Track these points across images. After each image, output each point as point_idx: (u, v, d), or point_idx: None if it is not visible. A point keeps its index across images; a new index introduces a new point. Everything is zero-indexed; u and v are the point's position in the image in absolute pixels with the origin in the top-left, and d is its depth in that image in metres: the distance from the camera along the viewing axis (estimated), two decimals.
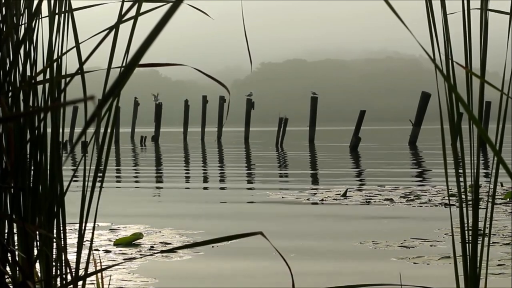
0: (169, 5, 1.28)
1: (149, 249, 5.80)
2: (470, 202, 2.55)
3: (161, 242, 6.09)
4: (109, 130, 2.66)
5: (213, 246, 5.75)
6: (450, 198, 8.88)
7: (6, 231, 2.66)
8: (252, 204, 9.22)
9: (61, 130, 2.74)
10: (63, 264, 2.72)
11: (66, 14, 2.71)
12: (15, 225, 2.69)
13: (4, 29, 2.66)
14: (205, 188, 12.14)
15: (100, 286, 3.11)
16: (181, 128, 52.22)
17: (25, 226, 2.63)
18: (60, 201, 2.72)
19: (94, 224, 2.75)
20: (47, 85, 2.72)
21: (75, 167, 2.48)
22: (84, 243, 2.72)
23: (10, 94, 2.69)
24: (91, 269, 4.18)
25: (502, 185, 10.29)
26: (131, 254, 5.62)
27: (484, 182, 10.70)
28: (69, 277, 2.72)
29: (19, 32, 2.69)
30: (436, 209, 8.30)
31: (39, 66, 2.73)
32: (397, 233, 6.40)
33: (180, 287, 4.53)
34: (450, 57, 2.51)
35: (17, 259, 2.67)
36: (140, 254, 5.61)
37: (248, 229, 6.55)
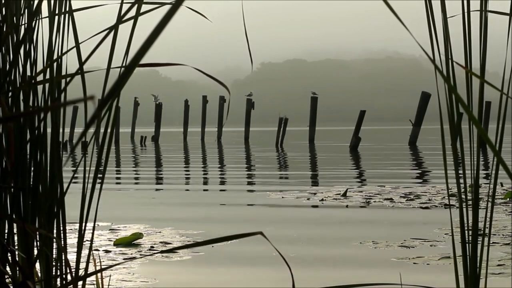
0: (169, 6, 1.28)
1: (149, 249, 5.80)
2: (470, 202, 2.55)
3: (161, 242, 6.09)
4: (109, 130, 2.66)
5: (213, 246, 5.75)
6: (450, 198, 8.88)
7: (6, 231, 2.66)
8: (252, 204, 9.22)
9: (61, 130, 2.74)
10: (63, 264, 2.72)
11: (66, 14, 2.71)
12: (15, 225, 2.69)
13: (4, 29, 2.66)
14: (205, 188, 12.14)
15: (100, 286, 3.11)
16: (181, 128, 52.22)
17: (25, 226, 2.63)
18: (60, 201, 2.72)
19: (94, 224, 2.75)
20: (47, 85, 2.72)
21: (75, 167, 2.48)
22: (84, 243, 2.72)
23: (10, 94, 2.69)
24: (91, 269, 4.18)
25: (502, 185, 10.29)
26: (131, 254, 5.62)
27: (484, 182, 10.70)
28: (69, 277, 2.72)
29: (19, 32, 2.69)
30: (436, 209, 8.30)
31: (39, 66, 2.73)
32: (397, 233, 6.40)
33: (180, 287, 4.53)
34: (450, 57, 2.51)
35: (17, 259, 2.67)
36: (140, 254, 5.61)
37: (248, 229, 6.55)
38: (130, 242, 6.05)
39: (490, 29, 2.52)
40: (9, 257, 2.62)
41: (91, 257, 2.74)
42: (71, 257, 2.80)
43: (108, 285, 4.42)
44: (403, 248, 5.69)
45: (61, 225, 2.73)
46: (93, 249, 2.96)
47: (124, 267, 5.04)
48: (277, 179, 13.83)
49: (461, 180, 2.54)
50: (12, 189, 2.66)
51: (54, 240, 2.71)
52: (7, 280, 2.62)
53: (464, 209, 2.54)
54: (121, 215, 7.93)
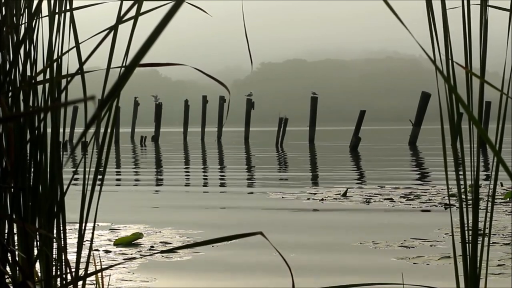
0: (169, 5, 1.28)
1: (149, 249, 5.80)
2: (470, 202, 2.55)
3: (161, 242, 6.09)
4: (109, 130, 2.66)
5: (213, 246, 5.75)
6: (450, 198, 8.88)
7: (6, 231, 2.66)
8: (252, 204, 9.22)
9: (61, 130, 2.74)
10: (63, 264, 2.72)
11: (66, 14, 2.71)
12: (15, 225, 2.69)
13: (4, 29, 2.66)
14: (205, 188, 12.14)
15: (100, 286, 3.11)
16: (181, 128, 52.24)
17: (25, 226, 2.63)
18: (60, 201, 2.72)
19: (94, 224, 2.75)
20: (47, 85, 2.72)
21: (75, 167, 2.48)
22: (84, 243, 2.72)
23: (10, 94, 2.69)
24: (91, 269, 4.18)
25: (502, 185, 10.29)
26: (131, 254, 5.62)
27: (484, 182, 10.70)
28: (69, 277, 2.72)
29: (19, 32, 2.69)
30: (436, 209, 8.30)
31: (39, 66, 2.73)
32: (397, 233, 6.40)
33: (180, 287, 4.53)
34: (450, 57, 2.51)
35: (17, 259, 2.67)
36: (140, 254, 5.61)
37: (248, 229, 6.55)
38: (130, 242, 6.05)
39: (490, 29, 2.52)
40: (9, 257, 2.62)
41: (91, 257, 2.74)
42: (71, 257, 2.80)
43: (108, 285, 4.42)
44: (403, 248, 5.69)
45: (61, 225, 2.73)
46: (93, 249, 2.96)
47: (124, 267, 5.04)
48: (277, 179, 13.83)
49: (461, 180, 2.54)
50: (12, 189, 2.66)
51: (54, 240, 2.71)
52: (7, 280, 2.62)
53: (464, 209, 2.54)
54: (121, 215, 7.93)
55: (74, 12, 2.72)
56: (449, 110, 2.55)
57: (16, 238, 2.73)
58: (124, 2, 2.61)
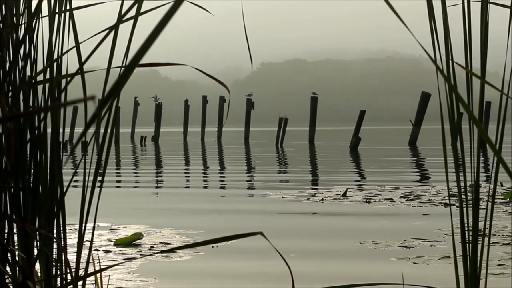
0: (169, 4, 1.28)
1: (149, 249, 5.80)
2: (470, 202, 2.55)
3: (161, 242, 6.09)
4: (109, 130, 2.66)
5: (213, 246, 5.75)
6: (450, 198, 8.87)
7: (6, 231, 2.65)
8: (252, 204, 9.22)
9: (61, 130, 2.74)
10: (63, 264, 2.72)
11: (66, 14, 2.71)
12: (15, 225, 2.69)
13: (4, 29, 2.66)
14: (205, 188, 12.14)
15: (100, 286, 3.11)
16: (181, 128, 52.25)
17: (25, 226, 2.63)
18: (60, 201, 2.72)
19: (94, 224, 2.75)
20: (47, 85, 2.72)
21: (75, 168, 2.48)
22: (84, 243, 2.72)
23: (10, 94, 2.69)
24: (91, 269, 4.18)
25: (502, 185, 10.29)
26: (131, 254, 5.62)
27: (484, 182, 10.70)
28: (69, 277, 2.72)
29: (19, 32, 2.69)
30: (436, 209, 8.30)
31: (39, 66, 2.73)
32: (397, 233, 6.40)
33: (180, 287, 4.53)
34: (450, 57, 2.51)
35: (17, 259, 2.66)
36: (140, 254, 5.61)
37: (248, 229, 6.55)
38: (130, 242, 6.05)
39: (490, 29, 2.52)
40: (9, 257, 2.62)
41: (91, 257, 2.73)
42: (71, 257, 2.80)
43: (108, 285, 4.42)
44: (403, 248, 5.69)
45: (61, 225, 2.73)
46: (93, 249, 2.96)
47: (124, 267, 5.04)
48: (277, 179, 13.83)
49: (461, 180, 2.54)
50: (12, 189, 2.66)
51: (54, 240, 2.71)
52: (7, 280, 2.61)
53: (464, 209, 2.54)
54: (121, 215, 7.93)
55: (74, 12, 2.72)
56: (449, 110, 2.55)
57: (16, 238, 2.73)
58: (124, 2, 2.61)
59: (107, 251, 5.71)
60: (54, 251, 2.73)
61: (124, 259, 5.41)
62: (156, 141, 44.70)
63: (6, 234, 2.66)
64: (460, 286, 2.58)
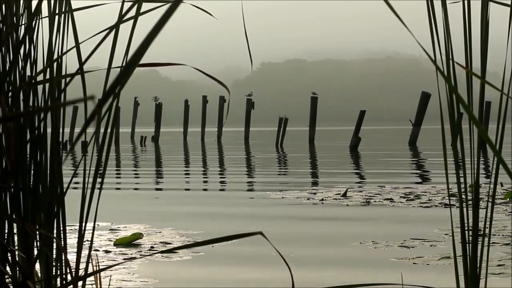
0: (169, 4, 1.28)
1: (149, 249, 5.80)
2: (470, 202, 2.55)
3: (161, 242, 6.09)
4: (109, 130, 2.66)
5: (213, 246, 5.75)
6: (450, 198, 8.87)
7: (6, 231, 2.65)
8: (252, 204, 9.22)
9: (61, 130, 2.74)
10: (63, 264, 2.72)
11: (66, 14, 2.71)
12: (15, 225, 2.69)
13: (4, 29, 2.66)
14: (205, 188, 12.14)
15: (100, 286, 3.11)
16: (181, 128, 52.25)
17: (25, 226, 2.63)
18: (60, 201, 2.72)
19: (94, 224, 2.75)
20: (47, 85, 2.72)
21: (75, 167, 2.48)
22: (84, 243, 2.72)
23: (10, 94, 2.69)
24: (91, 269, 4.18)
25: (502, 185, 10.29)
26: (131, 254, 5.62)
27: (484, 182, 10.70)
28: (69, 277, 2.72)
29: (19, 32, 2.69)
30: (436, 209, 8.30)
31: (39, 66, 2.73)
32: (397, 233, 6.40)
33: (180, 287, 4.52)
34: (450, 57, 2.51)
35: (17, 259, 2.66)
36: (140, 254, 5.60)
37: (248, 229, 6.55)
38: (130, 242, 6.05)
39: (490, 29, 2.52)
40: (9, 257, 2.62)
41: (91, 257, 2.73)
42: (71, 257, 2.80)
43: (108, 285, 4.42)
44: (403, 248, 5.69)
45: (61, 225, 2.73)
46: (93, 249, 2.96)
47: (124, 267, 5.04)
48: (277, 179, 13.82)
49: (461, 180, 2.54)
50: (12, 189, 2.66)
51: (54, 240, 2.71)
52: (7, 280, 2.61)
53: (464, 209, 2.54)
54: (121, 215, 7.93)
55: (74, 12, 2.72)
56: (449, 110, 2.55)
57: (16, 238, 2.73)
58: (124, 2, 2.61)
59: (107, 251, 5.71)
60: (54, 251, 2.73)
61: (124, 259, 5.41)
62: (156, 141, 44.70)
63: (6, 234, 2.66)
64: (460, 286, 2.58)
